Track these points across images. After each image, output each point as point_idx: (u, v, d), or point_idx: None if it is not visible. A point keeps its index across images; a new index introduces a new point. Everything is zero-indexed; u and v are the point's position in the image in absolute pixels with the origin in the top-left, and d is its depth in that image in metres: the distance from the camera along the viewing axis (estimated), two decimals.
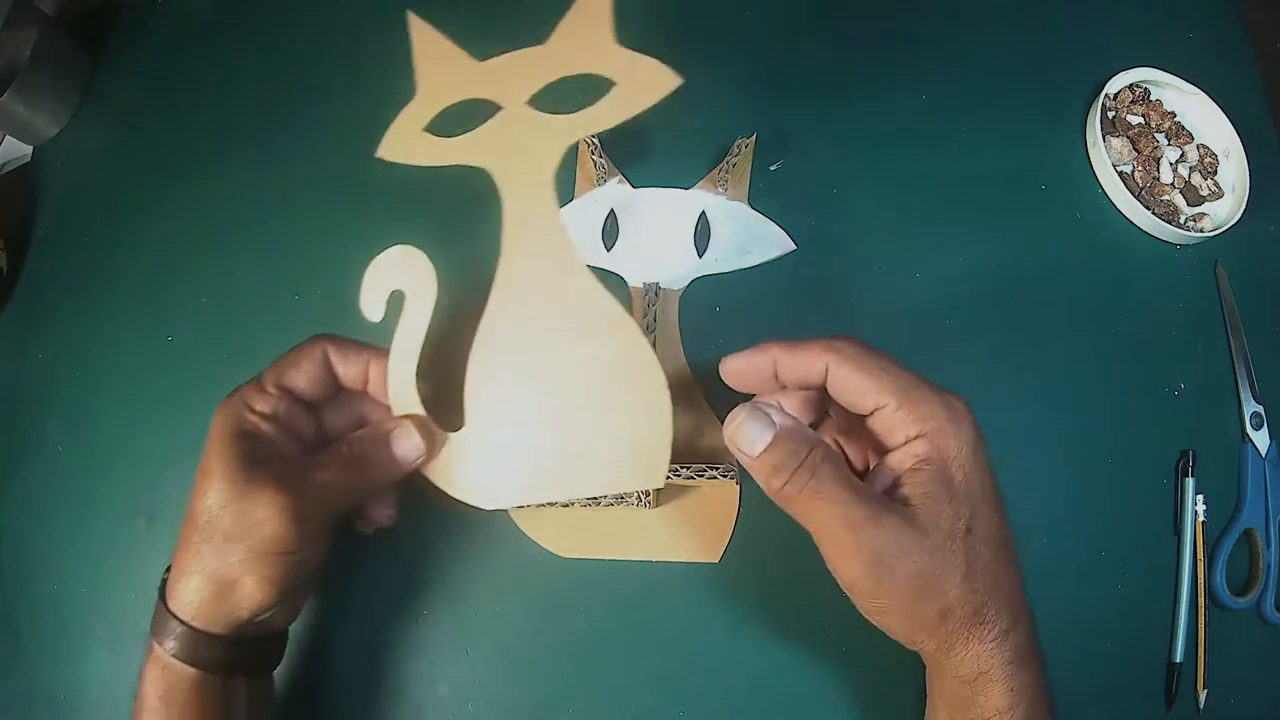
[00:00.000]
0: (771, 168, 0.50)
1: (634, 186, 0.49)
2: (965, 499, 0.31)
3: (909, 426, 0.32)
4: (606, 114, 0.37)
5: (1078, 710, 0.41)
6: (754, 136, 0.47)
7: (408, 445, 0.37)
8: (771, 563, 0.43)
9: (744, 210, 0.48)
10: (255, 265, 0.51)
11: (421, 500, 0.44)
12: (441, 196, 0.51)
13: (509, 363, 0.37)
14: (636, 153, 0.47)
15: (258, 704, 0.38)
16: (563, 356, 0.37)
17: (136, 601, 0.46)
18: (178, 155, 0.55)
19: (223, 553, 0.34)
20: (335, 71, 0.55)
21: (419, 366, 0.38)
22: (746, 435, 0.33)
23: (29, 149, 0.58)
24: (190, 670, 0.34)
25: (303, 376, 0.37)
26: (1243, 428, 0.45)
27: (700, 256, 0.48)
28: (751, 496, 0.43)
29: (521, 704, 0.42)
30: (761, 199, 0.49)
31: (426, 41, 0.41)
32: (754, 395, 0.38)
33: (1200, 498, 0.43)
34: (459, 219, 0.51)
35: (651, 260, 0.48)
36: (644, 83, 0.37)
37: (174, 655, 0.34)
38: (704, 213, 0.48)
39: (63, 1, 0.61)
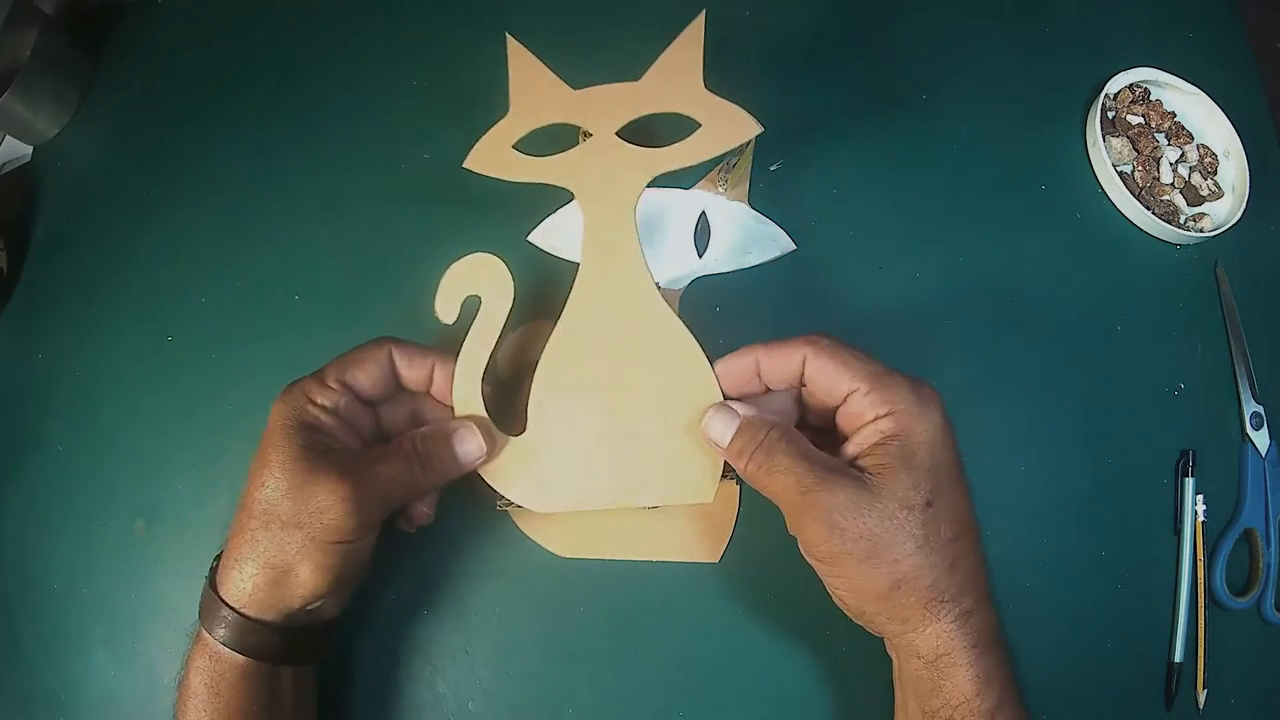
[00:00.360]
0: (771, 168, 0.50)
1: None
2: (927, 474, 0.32)
3: (878, 407, 0.34)
4: (689, 153, 0.40)
5: (1078, 710, 0.41)
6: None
7: (470, 446, 0.38)
8: (771, 563, 0.43)
9: (744, 210, 0.48)
10: (255, 265, 0.51)
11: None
12: (440, 197, 0.51)
13: (577, 373, 0.40)
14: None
15: (303, 695, 0.38)
16: (629, 372, 0.39)
17: (136, 601, 0.46)
18: (178, 155, 0.55)
19: (280, 540, 0.34)
20: (335, 71, 0.55)
21: (485, 370, 0.40)
22: (716, 429, 0.36)
23: (29, 149, 0.59)
24: (240, 658, 0.35)
25: (366, 376, 0.38)
26: (1243, 428, 0.45)
27: (700, 256, 0.48)
28: (751, 497, 0.43)
29: (522, 704, 0.42)
30: (761, 199, 0.48)
31: (523, 64, 0.43)
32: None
33: (1200, 498, 0.43)
34: (457, 221, 0.51)
35: (653, 261, 0.48)
36: (727, 128, 0.40)
37: (224, 643, 0.35)
38: (704, 213, 0.48)
39: (63, 1, 0.61)
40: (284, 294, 0.50)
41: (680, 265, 0.48)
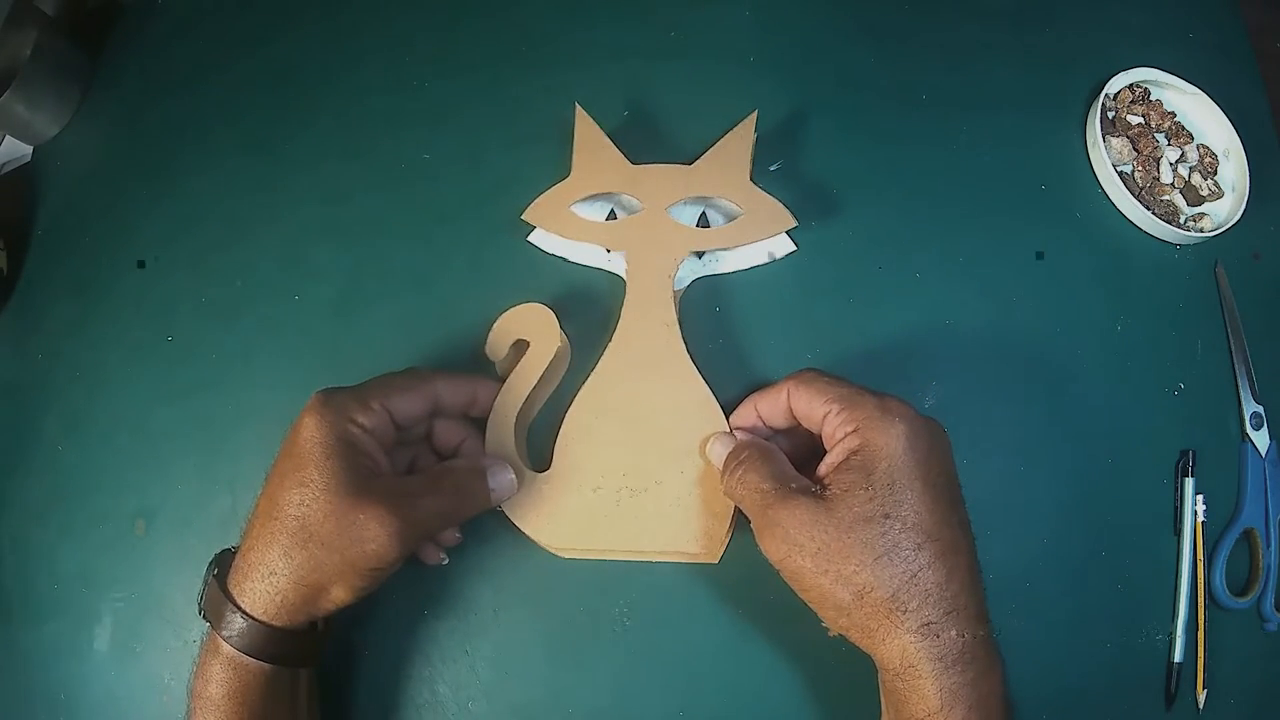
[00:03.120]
0: (771, 168, 0.50)
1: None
2: (886, 487, 0.33)
3: (845, 425, 0.35)
4: (729, 237, 0.46)
5: (1078, 710, 0.41)
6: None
7: (503, 481, 0.40)
8: (771, 563, 0.43)
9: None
10: (255, 265, 0.51)
11: None
12: (440, 198, 0.51)
13: (604, 421, 0.43)
14: (638, 149, 0.47)
15: (314, 690, 0.39)
16: (652, 425, 0.43)
17: (136, 602, 0.46)
18: (178, 155, 0.55)
19: (317, 560, 0.34)
20: (335, 70, 0.55)
21: (521, 409, 0.43)
22: (714, 452, 0.40)
23: (29, 149, 0.58)
24: (263, 666, 0.35)
25: (409, 405, 0.38)
26: (1243, 428, 0.45)
27: (700, 257, 0.48)
28: None
29: (522, 704, 0.42)
30: None
31: (589, 134, 0.48)
32: None
33: (1200, 498, 0.43)
34: (457, 221, 0.51)
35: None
36: (765, 219, 0.45)
37: (246, 651, 0.34)
38: (704, 213, 0.48)
39: (63, 1, 0.61)
40: (284, 294, 0.50)
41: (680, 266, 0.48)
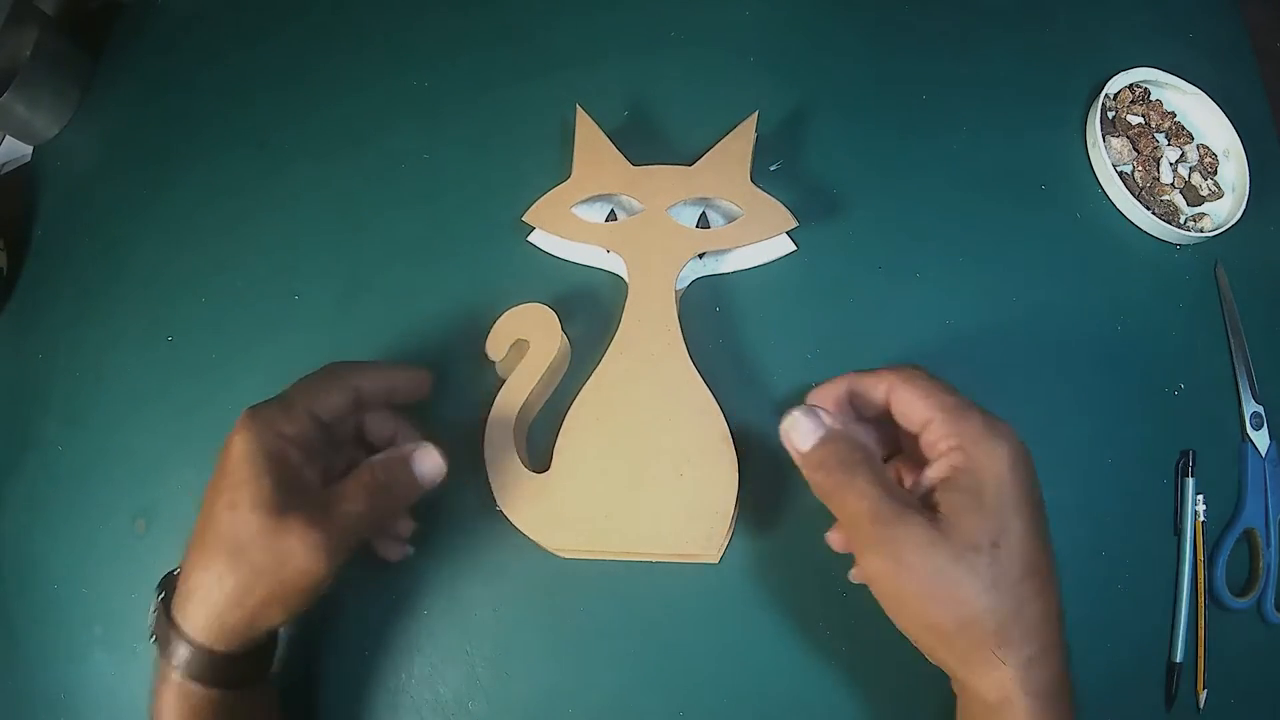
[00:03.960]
0: (771, 168, 0.50)
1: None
2: (994, 513, 0.31)
3: (949, 439, 0.33)
4: (730, 238, 0.45)
5: (1078, 710, 0.41)
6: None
7: (428, 466, 0.38)
8: (771, 562, 0.43)
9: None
10: (255, 265, 0.51)
11: (421, 502, 0.44)
12: (440, 198, 0.51)
13: (604, 422, 0.43)
14: (639, 151, 0.47)
15: (274, 704, 0.39)
16: (652, 426, 0.42)
17: (136, 602, 0.46)
18: (178, 154, 0.55)
19: (250, 582, 0.34)
20: (335, 71, 0.55)
21: (521, 408, 0.43)
22: (799, 431, 0.35)
23: (29, 149, 0.58)
24: (212, 691, 0.34)
25: (331, 402, 0.37)
26: (1243, 428, 0.45)
27: (701, 257, 0.48)
28: (751, 496, 0.43)
29: (522, 704, 0.42)
30: None
31: (590, 136, 0.48)
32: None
33: (1200, 498, 0.43)
34: (457, 221, 0.51)
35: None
36: (766, 219, 0.45)
37: (194, 678, 0.34)
38: (704, 214, 0.48)
39: (63, 1, 0.61)
40: (284, 294, 0.50)
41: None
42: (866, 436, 0.37)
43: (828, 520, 0.36)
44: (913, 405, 0.34)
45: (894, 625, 0.33)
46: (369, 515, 0.36)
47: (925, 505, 0.33)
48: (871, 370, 0.36)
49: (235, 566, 0.34)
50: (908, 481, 0.37)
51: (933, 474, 0.33)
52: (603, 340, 0.45)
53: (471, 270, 0.49)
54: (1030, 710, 0.31)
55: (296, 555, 0.33)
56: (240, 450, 0.35)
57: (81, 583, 0.47)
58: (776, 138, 0.50)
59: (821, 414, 0.35)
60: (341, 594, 0.44)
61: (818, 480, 0.34)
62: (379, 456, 0.37)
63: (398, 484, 0.37)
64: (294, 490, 0.35)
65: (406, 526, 0.41)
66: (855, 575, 0.37)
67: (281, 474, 0.35)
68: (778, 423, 0.41)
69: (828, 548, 0.37)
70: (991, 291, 0.47)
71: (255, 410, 0.36)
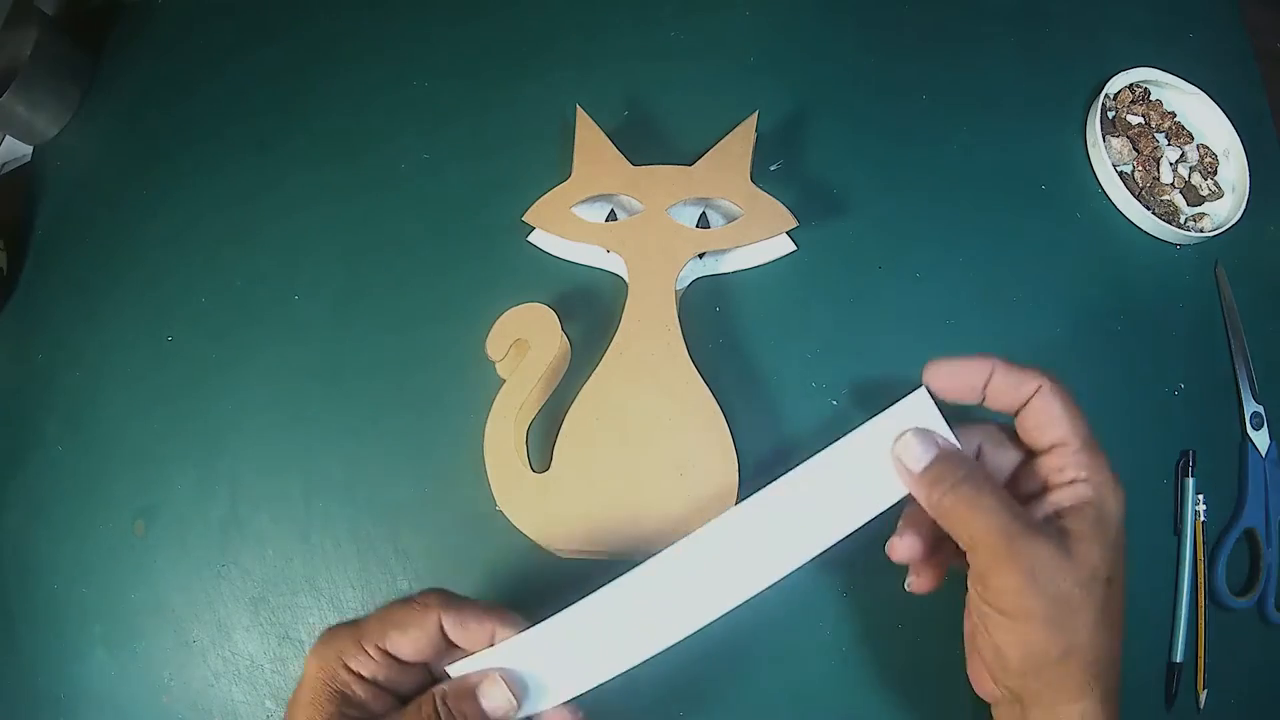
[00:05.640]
0: (771, 168, 0.50)
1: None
2: (1115, 550, 0.32)
3: (1080, 469, 0.33)
4: (729, 237, 0.45)
5: None
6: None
7: (498, 699, 0.34)
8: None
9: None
10: (255, 265, 0.51)
11: (420, 501, 0.44)
12: (440, 198, 0.51)
13: (604, 423, 0.43)
14: (639, 151, 0.47)
15: None
16: (652, 427, 0.42)
17: (136, 601, 0.46)
18: (178, 155, 0.55)
19: None
20: (335, 71, 0.55)
21: (521, 408, 0.43)
22: (913, 453, 0.33)
23: (29, 149, 0.58)
24: None
25: (411, 644, 0.34)
26: (1243, 428, 0.45)
27: (701, 257, 0.48)
28: (751, 495, 0.43)
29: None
30: None
31: (590, 136, 0.47)
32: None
33: (1200, 498, 0.43)
34: (456, 221, 0.51)
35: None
36: (766, 219, 0.45)
37: None
38: (704, 214, 0.48)
39: (63, 1, 0.61)
40: (284, 294, 0.50)
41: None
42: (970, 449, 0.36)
43: None
44: (1056, 421, 0.33)
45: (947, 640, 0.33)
46: None
47: (1047, 523, 0.32)
48: (1021, 365, 0.34)
49: None
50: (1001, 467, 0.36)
51: (1060, 499, 0.33)
52: (603, 340, 0.45)
53: (471, 270, 0.49)
54: None
55: None
56: (308, 672, 0.34)
57: (81, 583, 0.47)
58: (776, 138, 0.50)
59: (935, 434, 0.34)
60: (339, 594, 0.44)
61: (936, 498, 0.33)
62: (445, 686, 0.34)
63: (463, 718, 0.33)
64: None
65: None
66: (917, 586, 0.36)
67: (340, 708, 0.33)
68: (777, 423, 0.41)
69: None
70: (991, 291, 0.47)
71: (329, 636, 0.34)
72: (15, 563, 0.48)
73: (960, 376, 0.34)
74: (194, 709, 0.44)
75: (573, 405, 0.43)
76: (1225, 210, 0.49)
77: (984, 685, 0.35)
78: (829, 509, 0.34)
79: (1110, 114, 0.50)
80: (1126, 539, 0.33)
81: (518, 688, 0.34)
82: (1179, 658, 0.42)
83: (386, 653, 0.33)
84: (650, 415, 0.43)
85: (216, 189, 0.54)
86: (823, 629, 0.42)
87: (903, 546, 0.35)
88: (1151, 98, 0.51)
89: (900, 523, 0.36)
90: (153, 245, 0.53)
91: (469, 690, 0.34)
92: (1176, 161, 0.50)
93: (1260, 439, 0.45)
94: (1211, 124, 0.50)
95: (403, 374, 0.48)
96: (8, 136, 0.59)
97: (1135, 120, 0.50)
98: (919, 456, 0.33)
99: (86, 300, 0.53)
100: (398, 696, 0.35)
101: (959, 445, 0.34)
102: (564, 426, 0.43)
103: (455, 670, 0.34)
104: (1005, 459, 0.36)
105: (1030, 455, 0.35)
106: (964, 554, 0.34)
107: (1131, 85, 0.51)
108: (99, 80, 0.59)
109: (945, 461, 0.33)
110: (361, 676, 0.33)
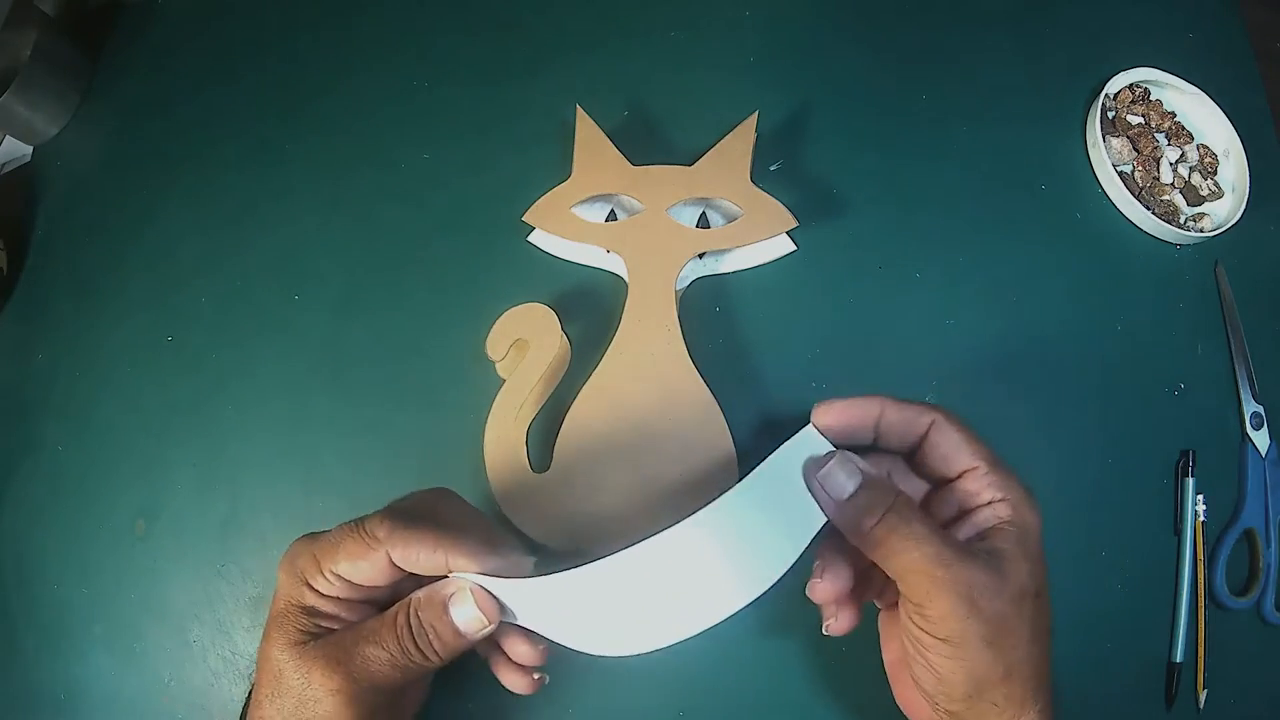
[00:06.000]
0: (772, 168, 0.50)
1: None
2: (1038, 564, 0.32)
3: (995, 490, 0.33)
4: (729, 237, 0.45)
5: (1078, 710, 0.41)
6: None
7: (467, 614, 0.33)
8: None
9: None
10: (255, 265, 0.51)
11: None
12: (439, 198, 0.51)
13: (604, 424, 0.43)
14: (639, 151, 0.47)
15: None
16: (652, 428, 0.42)
17: (136, 602, 0.46)
18: (178, 155, 0.55)
19: (295, 715, 0.32)
20: (335, 71, 0.55)
21: (521, 407, 0.43)
22: (835, 481, 0.33)
23: (29, 149, 0.59)
24: None
25: (361, 576, 0.33)
26: (1243, 428, 0.45)
27: (700, 257, 0.48)
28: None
29: (520, 705, 0.42)
30: None
31: (590, 136, 0.47)
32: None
33: (1200, 498, 0.43)
34: (456, 221, 0.51)
35: None
36: (766, 219, 0.45)
37: None
38: (704, 214, 0.48)
39: (63, 1, 0.61)
40: (284, 294, 0.50)
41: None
42: (887, 472, 0.36)
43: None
44: (958, 449, 0.34)
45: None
46: (395, 661, 0.32)
47: (986, 552, 0.32)
48: (909, 401, 0.34)
49: (278, 695, 0.32)
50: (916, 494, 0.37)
51: (981, 521, 0.33)
52: (603, 340, 0.44)
53: (471, 270, 0.49)
54: None
55: (318, 699, 0.31)
56: (280, 586, 0.33)
57: (81, 583, 0.47)
58: (776, 138, 0.50)
59: (855, 460, 0.33)
60: None
61: (866, 527, 0.32)
62: (421, 593, 0.33)
63: (431, 630, 0.33)
64: (317, 635, 0.33)
65: (528, 654, 0.35)
66: (837, 628, 0.36)
67: (306, 620, 0.33)
68: (778, 423, 0.41)
69: None
70: (991, 291, 0.47)
71: (296, 551, 0.33)
72: (15, 563, 0.48)
73: (850, 414, 0.34)
74: (194, 709, 0.44)
75: (573, 405, 0.43)
76: (1225, 210, 0.49)
77: (918, 711, 0.35)
78: (745, 557, 0.33)
79: (1110, 114, 0.50)
80: (1045, 550, 0.33)
81: (490, 606, 0.33)
82: (1179, 658, 0.42)
83: (341, 579, 0.33)
84: (650, 415, 0.43)
85: (217, 189, 0.54)
86: (821, 629, 0.42)
87: (824, 586, 0.35)
88: (1151, 98, 0.51)
89: (817, 562, 0.35)
90: (153, 245, 0.53)
91: (441, 602, 0.33)
92: (1176, 161, 0.50)
93: (1260, 439, 0.45)
94: (1211, 124, 0.50)
95: (403, 374, 0.48)
96: (8, 136, 0.59)
97: (1135, 120, 0.50)
98: (843, 484, 0.33)
99: (86, 300, 0.53)
100: (373, 604, 0.34)
101: (884, 475, 0.34)
102: (564, 426, 0.43)
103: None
104: (914, 487, 0.36)
105: (936, 484, 0.35)
106: (879, 588, 0.35)
107: (1131, 85, 0.51)
108: (99, 80, 0.59)
109: (872, 490, 0.32)
110: (322, 594, 0.33)
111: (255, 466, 0.47)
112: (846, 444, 0.35)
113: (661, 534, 0.32)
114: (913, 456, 0.36)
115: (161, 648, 0.45)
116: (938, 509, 0.35)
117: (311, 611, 0.33)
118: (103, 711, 0.45)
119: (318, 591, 0.33)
